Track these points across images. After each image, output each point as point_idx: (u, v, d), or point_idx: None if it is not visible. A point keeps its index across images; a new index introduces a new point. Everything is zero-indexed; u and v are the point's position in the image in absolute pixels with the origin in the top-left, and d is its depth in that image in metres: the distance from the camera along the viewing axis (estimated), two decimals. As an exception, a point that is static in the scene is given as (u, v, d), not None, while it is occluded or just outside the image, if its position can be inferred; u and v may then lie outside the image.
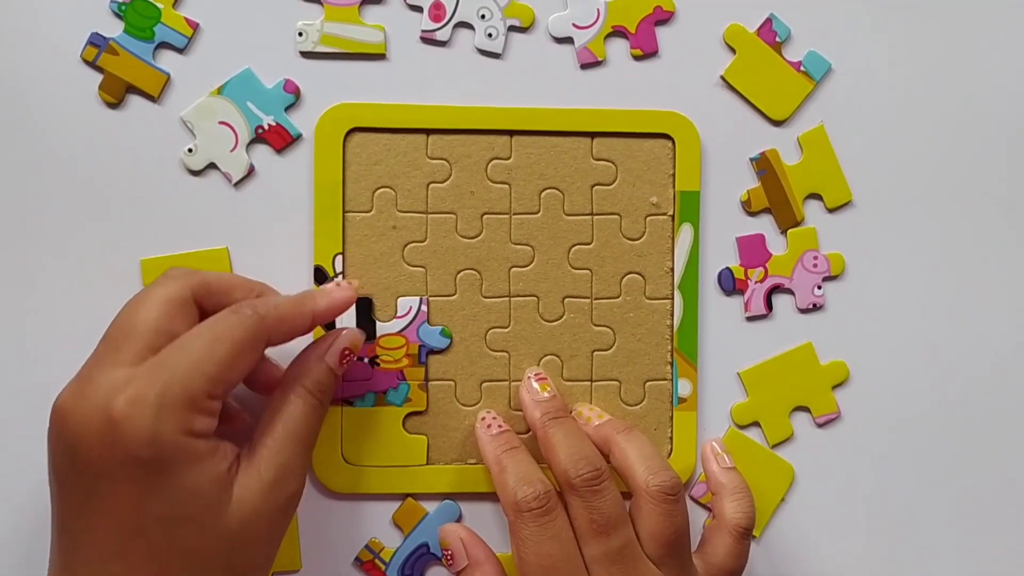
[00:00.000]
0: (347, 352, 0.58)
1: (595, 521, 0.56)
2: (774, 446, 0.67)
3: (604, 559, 0.56)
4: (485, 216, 0.64)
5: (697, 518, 0.65)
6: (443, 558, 0.62)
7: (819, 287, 0.67)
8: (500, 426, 0.62)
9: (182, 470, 0.50)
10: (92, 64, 0.62)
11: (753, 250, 0.66)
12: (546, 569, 0.56)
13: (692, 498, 0.66)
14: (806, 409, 0.67)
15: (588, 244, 0.64)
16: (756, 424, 0.67)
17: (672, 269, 0.65)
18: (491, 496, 0.64)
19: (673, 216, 0.65)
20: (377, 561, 0.64)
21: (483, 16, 0.64)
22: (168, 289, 0.54)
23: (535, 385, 0.63)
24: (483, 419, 0.63)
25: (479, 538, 0.62)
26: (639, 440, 0.60)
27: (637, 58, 0.65)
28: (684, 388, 0.65)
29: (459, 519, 0.65)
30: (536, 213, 0.64)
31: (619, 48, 0.65)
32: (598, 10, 0.65)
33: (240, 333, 0.53)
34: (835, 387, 0.67)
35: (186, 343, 0.52)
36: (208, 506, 0.51)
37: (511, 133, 0.64)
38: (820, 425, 0.67)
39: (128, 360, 0.51)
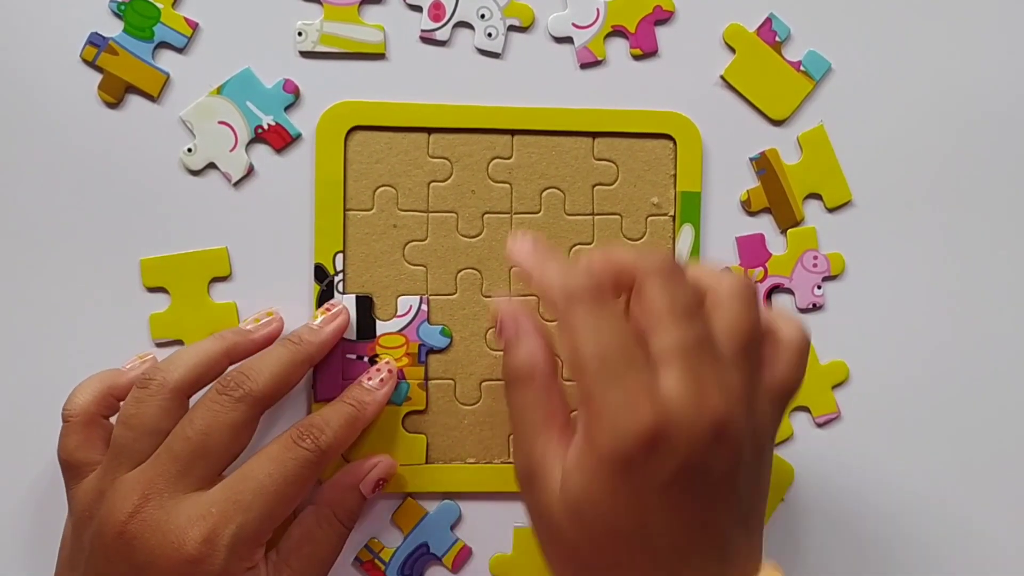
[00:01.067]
0: (381, 482, 0.62)
1: (675, 305, 0.48)
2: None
3: (679, 347, 0.47)
4: (486, 215, 0.64)
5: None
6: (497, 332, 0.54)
7: (819, 287, 0.67)
8: (532, 238, 0.54)
9: None
10: (91, 64, 0.62)
11: (753, 250, 0.66)
12: (604, 351, 0.47)
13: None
14: (806, 409, 0.67)
15: (589, 244, 0.64)
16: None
17: (672, 269, 0.65)
18: (491, 496, 0.64)
19: (674, 216, 0.65)
20: (377, 561, 0.64)
21: (483, 16, 0.64)
22: (239, 414, 0.56)
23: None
24: (514, 235, 0.59)
25: (529, 309, 0.53)
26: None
27: (637, 58, 0.65)
28: (684, 388, 0.65)
29: (459, 519, 0.65)
30: (537, 213, 0.64)
31: (619, 48, 0.65)
32: (598, 10, 0.65)
33: (306, 471, 0.56)
34: (835, 387, 0.67)
35: (255, 479, 0.55)
36: None
37: (512, 132, 0.64)
38: (820, 425, 0.67)
39: (196, 484, 0.55)
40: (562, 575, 0.50)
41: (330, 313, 0.61)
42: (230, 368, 0.59)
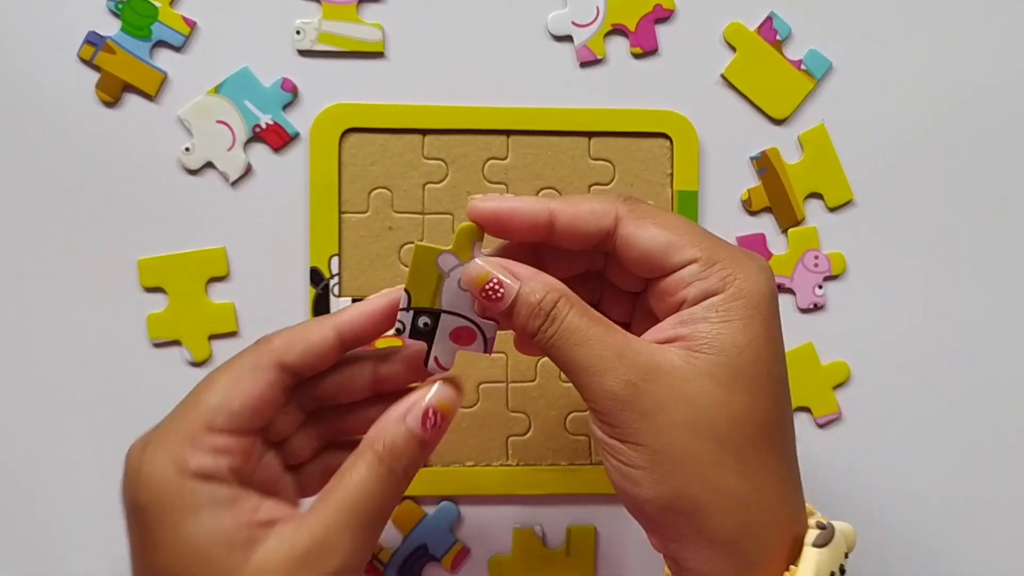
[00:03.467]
0: (434, 414, 0.48)
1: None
2: (775, 446, 0.66)
3: (719, 245, 0.48)
4: (483, 216, 0.63)
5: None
6: (483, 298, 0.48)
7: (820, 287, 0.66)
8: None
9: (181, 519, 0.45)
10: (89, 63, 0.62)
11: (754, 249, 0.65)
12: (692, 226, 0.47)
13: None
14: (807, 409, 0.67)
15: (586, 244, 0.64)
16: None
17: (671, 270, 0.64)
18: (490, 498, 0.64)
19: (672, 216, 0.64)
20: (375, 562, 0.64)
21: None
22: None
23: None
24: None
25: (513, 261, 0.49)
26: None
27: (637, 56, 0.65)
28: (683, 389, 0.65)
29: (458, 520, 0.64)
30: (534, 213, 0.64)
31: (619, 46, 0.65)
32: (597, 8, 0.64)
33: (248, 359, 0.48)
34: (836, 387, 0.67)
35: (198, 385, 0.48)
36: (213, 567, 0.44)
37: (508, 133, 0.64)
38: (821, 425, 0.67)
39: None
40: (712, 477, 0.45)
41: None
42: None
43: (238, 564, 0.44)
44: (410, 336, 0.50)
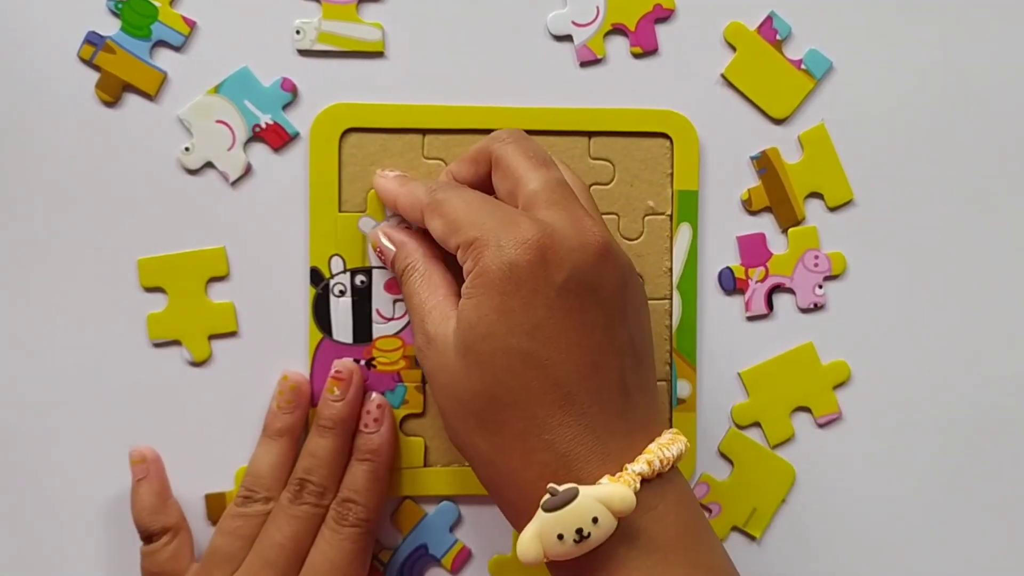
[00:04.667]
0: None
1: (533, 155, 0.54)
2: (775, 446, 0.66)
3: (546, 187, 0.53)
4: (482, 216, 0.63)
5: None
6: (378, 256, 0.61)
7: (820, 286, 0.66)
8: (395, 172, 0.62)
9: None
10: (89, 63, 0.62)
11: (754, 249, 0.66)
12: (473, 203, 0.53)
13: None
14: (807, 409, 0.67)
15: (586, 244, 0.64)
16: (757, 424, 0.66)
17: (671, 269, 0.64)
18: (488, 498, 0.64)
19: (671, 216, 0.64)
20: (375, 562, 0.64)
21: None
22: (361, 543, 0.59)
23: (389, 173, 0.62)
24: (380, 173, 0.62)
25: (398, 228, 0.60)
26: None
27: (637, 56, 0.65)
28: (683, 389, 0.65)
29: (458, 520, 0.65)
30: (534, 213, 0.64)
31: (619, 46, 0.65)
32: (597, 8, 0.64)
33: (362, 544, 0.59)
34: (836, 387, 0.67)
35: (320, 570, 0.58)
36: None
37: (508, 133, 0.63)
38: (821, 425, 0.67)
39: None
40: (464, 435, 0.52)
41: (340, 380, 0.61)
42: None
43: None
44: (352, 294, 0.63)
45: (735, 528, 0.66)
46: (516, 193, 0.53)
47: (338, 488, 0.60)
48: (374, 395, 0.62)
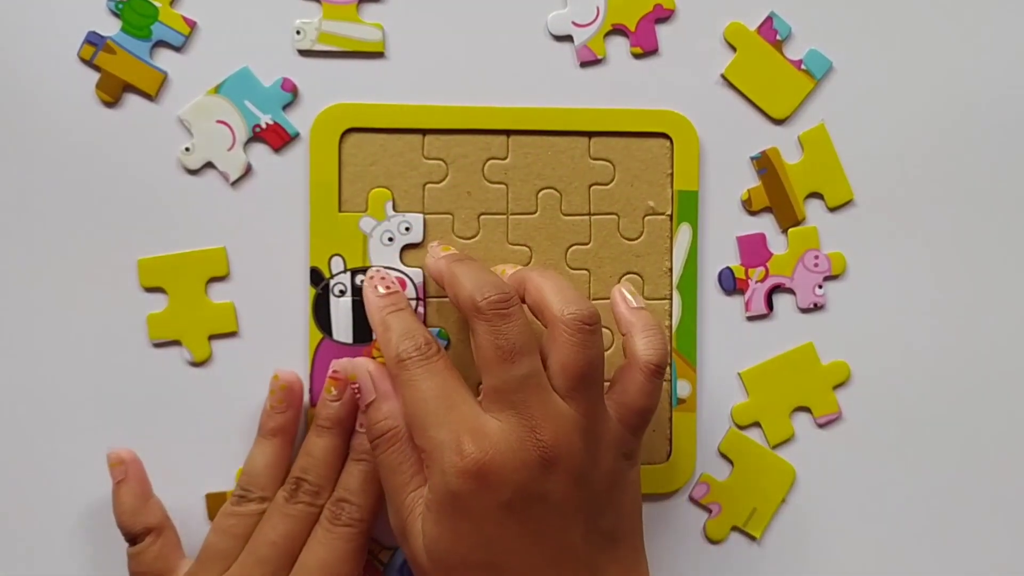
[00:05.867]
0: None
1: (501, 347, 0.52)
2: (775, 446, 0.66)
3: (504, 387, 0.52)
4: (482, 217, 0.64)
5: (696, 520, 0.65)
6: (352, 390, 0.60)
7: (820, 287, 0.66)
8: (389, 287, 0.60)
9: None
10: (89, 63, 0.62)
11: (754, 249, 0.66)
12: (428, 401, 0.53)
13: (692, 499, 0.66)
14: (807, 409, 0.67)
15: (586, 244, 0.64)
16: (757, 424, 0.66)
17: (671, 269, 0.64)
18: None
19: (671, 216, 0.64)
20: (375, 562, 0.64)
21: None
22: (355, 543, 0.59)
23: (438, 248, 0.61)
24: (371, 277, 0.60)
25: (387, 373, 0.58)
26: (554, 275, 0.57)
27: (637, 56, 0.65)
28: (683, 389, 0.65)
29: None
30: (533, 213, 0.64)
31: (619, 46, 0.65)
32: (598, 8, 0.64)
33: (355, 544, 0.59)
34: (836, 387, 0.67)
35: (313, 570, 0.58)
36: None
37: (508, 133, 0.63)
38: (821, 425, 0.67)
39: None
40: None
41: (337, 379, 0.61)
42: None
43: None
44: (352, 294, 0.62)
45: (735, 528, 0.66)
46: (481, 375, 0.54)
47: (334, 488, 0.60)
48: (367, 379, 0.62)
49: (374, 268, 0.62)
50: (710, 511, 0.66)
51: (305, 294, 0.63)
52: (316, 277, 0.62)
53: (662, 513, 0.66)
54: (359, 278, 0.63)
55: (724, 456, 0.66)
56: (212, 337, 0.63)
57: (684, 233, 0.64)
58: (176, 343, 0.63)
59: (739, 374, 0.66)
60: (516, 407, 0.52)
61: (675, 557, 0.62)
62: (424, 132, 0.63)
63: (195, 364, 0.62)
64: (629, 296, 0.60)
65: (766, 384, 0.66)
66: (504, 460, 0.50)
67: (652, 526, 0.65)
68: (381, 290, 0.59)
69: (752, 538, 0.66)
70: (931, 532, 0.67)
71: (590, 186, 0.64)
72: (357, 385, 0.58)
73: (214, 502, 0.63)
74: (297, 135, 0.63)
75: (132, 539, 0.60)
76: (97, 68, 0.62)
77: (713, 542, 0.66)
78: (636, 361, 0.56)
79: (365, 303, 0.59)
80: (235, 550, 0.59)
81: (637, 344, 0.57)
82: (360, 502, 0.59)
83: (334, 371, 0.61)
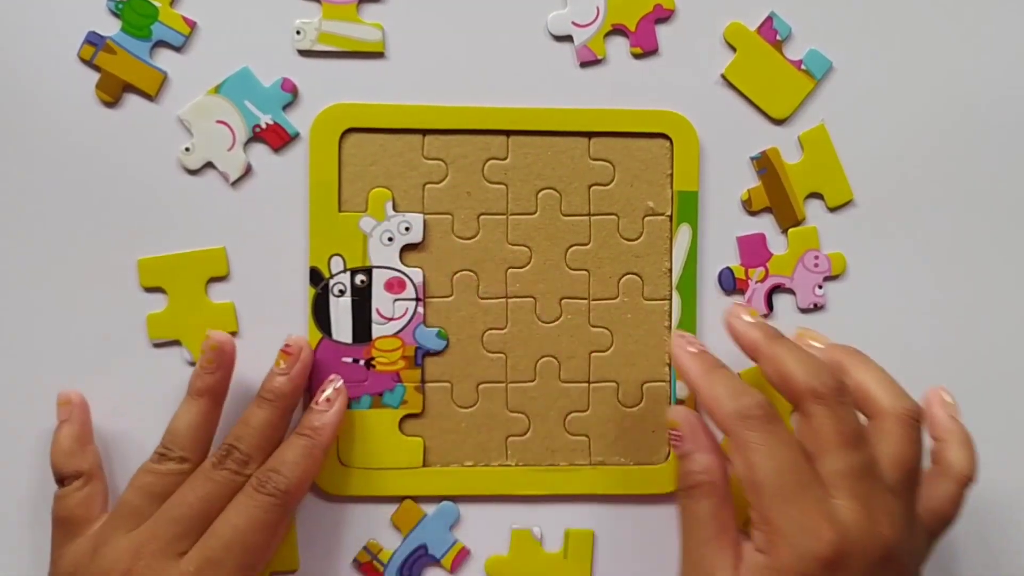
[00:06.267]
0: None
1: (844, 433, 0.52)
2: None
3: (850, 473, 0.51)
4: (482, 217, 0.64)
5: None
6: (670, 439, 0.59)
7: (820, 287, 0.66)
8: (700, 346, 0.59)
9: None
10: (89, 63, 0.62)
11: (754, 249, 0.66)
12: (781, 472, 0.51)
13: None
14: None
15: (585, 245, 0.64)
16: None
17: (670, 270, 0.64)
18: (489, 498, 0.64)
19: (671, 216, 0.64)
20: (375, 562, 0.64)
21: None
22: (276, 514, 0.58)
23: (743, 313, 0.59)
24: (681, 336, 0.60)
25: (702, 423, 0.58)
26: (875, 365, 0.58)
27: (637, 56, 0.65)
28: (682, 390, 0.65)
29: (457, 521, 0.65)
30: (533, 214, 0.64)
31: (619, 46, 0.65)
32: (598, 8, 0.64)
33: (273, 516, 0.57)
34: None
35: (223, 535, 0.56)
36: None
37: (508, 133, 0.64)
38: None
39: (181, 548, 0.56)
40: None
41: (289, 354, 0.61)
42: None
43: None
44: (352, 294, 0.63)
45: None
46: (819, 457, 0.53)
47: (263, 462, 0.59)
48: (336, 378, 0.62)
49: (678, 331, 0.63)
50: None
51: (305, 294, 0.63)
52: (316, 277, 0.62)
53: (661, 513, 0.66)
54: (359, 278, 0.63)
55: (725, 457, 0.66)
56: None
57: (684, 234, 0.64)
58: (176, 343, 0.63)
59: (739, 375, 0.66)
60: (860, 497, 0.51)
61: (674, 558, 0.61)
62: (424, 132, 0.63)
63: (195, 364, 0.62)
64: (950, 401, 0.61)
65: (767, 384, 0.66)
66: (855, 551, 0.50)
67: (652, 526, 0.65)
68: (694, 348, 0.59)
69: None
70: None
71: (590, 186, 0.64)
72: (678, 432, 0.57)
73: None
74: (297, 135, 0.63)
75: (61, 480, 0.60)
76: (97, 68, 0.62)
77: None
78: (950, 471, 0.58)
79: (677, 361, 0.58)
80: (149, 508, 0.58)
81: (955, 455, 0.58)
82: (290, 475, 0.58)
83: (286, 345, 0.61)
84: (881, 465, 0.53)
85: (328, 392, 0.61)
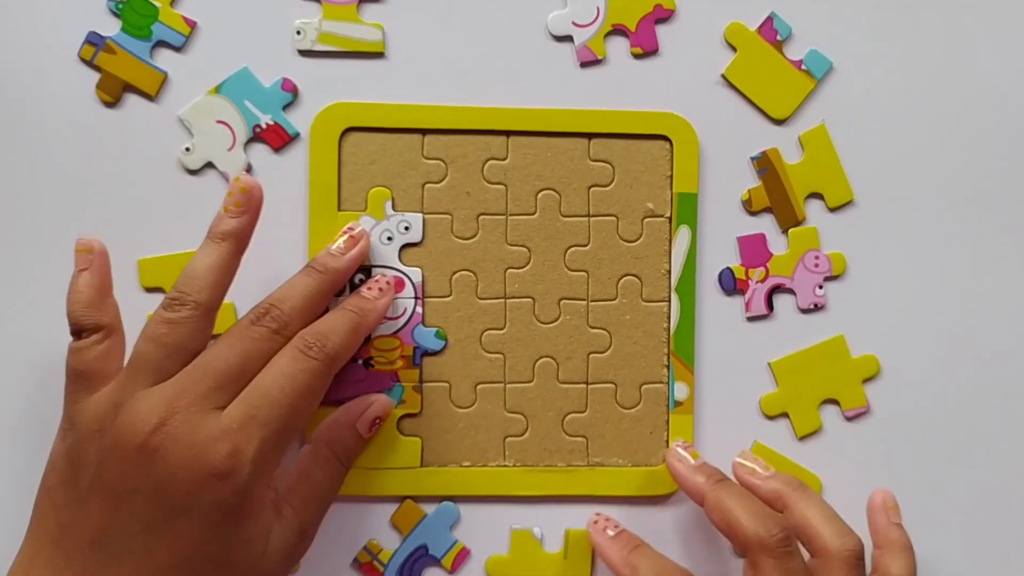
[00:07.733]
0: (377, 420, 0.62)
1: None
2: (802, 438, 0.66)
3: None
4: (481, 217, 0.64)
5: (692, 521, 0.65)
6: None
7: (820, 287, 0.66)
8: (616, 526, 0.63)
9: (252, 519, 0.54)
10: (89, 63, 0.62)
11: (754, 250, 0.66)
12: None
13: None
14: (835, 402, 0.67)
15: (585, 246, 0.64)
16: (785, 415, 0.67)
17: (669, 271, 0.64)
18: (487, 499, 0.64)
19: (670, 218, 0.64)
20: (375, 563, 0.64)
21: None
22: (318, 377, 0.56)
23: (684, 453, 0.63)
24: (595, 522, 0.63)
25: None
26: (817, 499, 0.61)
27: (637, 56, 0.65)
28: (681, 391, 0.65)
29: (458, 521, 0.65)
30: (532, 214, 0.64)
31: (619, 47, 0.65)
32: (598, 8, 0.64)
33: (316, 381, 0.56)
34: (865, 381, 0.67)
35: (269, 394, 0.54)
36: (251, 555, 0.54)
37: (508, 134, 0.64)
38: (849, 419, 0.67)
39: (223, 404, 0.54)
40: None
41: (351, 237, 0.61)
42: None
43: (262, 551, 0.54)
44: (350, 291, 0.62)
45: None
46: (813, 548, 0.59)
47: (300, 329, 0.57)
48: (388, 275, 0.63)
49: (595, 513, 0.65)
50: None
51: (304, 295, 0.63)
52: (315, 278, 0.62)
53: (657, 515, 0.66)
54: (358, 277, 0.63)
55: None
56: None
57: (683, 235, 0.64)
58: (176, 343, 0.63)
59: (769, 364, 0.66)
60: None
61: (673, 558, 0.61)
62: (424, 132, 0.63)
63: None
64: (892, 507, 0.65)
65: (795, 375, 0.66)
66: None
67: (651, 526, 0.65)
68: (611, 531, 0.63)
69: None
70: (932, 532, 0.67)
71: (589, 187, 0.64)
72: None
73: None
74: (297, 135, 0.63)
75: (78, 332, 0.56)
76: (97, 68, 0.62)
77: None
78: None
79: (597, 546, 0.63)
80: (167, 361, 0.54)
81: (894, 564, 0.62)
82: (341, 342, 0.57)
83: (351, 228, 0.62)
84: None
85: (381, 284, 0.61)
